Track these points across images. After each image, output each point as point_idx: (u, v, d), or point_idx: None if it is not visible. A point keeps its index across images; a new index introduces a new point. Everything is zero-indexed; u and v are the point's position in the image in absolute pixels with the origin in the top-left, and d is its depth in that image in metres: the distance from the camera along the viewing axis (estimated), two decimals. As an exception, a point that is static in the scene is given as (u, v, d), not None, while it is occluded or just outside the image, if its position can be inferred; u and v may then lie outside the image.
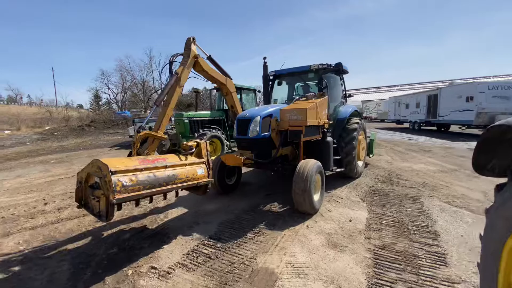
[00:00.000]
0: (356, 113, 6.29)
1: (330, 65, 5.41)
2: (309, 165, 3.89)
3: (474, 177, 5.75)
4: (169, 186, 2.99)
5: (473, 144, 10.85)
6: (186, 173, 3.22)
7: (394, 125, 24.44)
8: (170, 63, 4.90)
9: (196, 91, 8.89)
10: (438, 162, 7.59)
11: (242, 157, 4.42)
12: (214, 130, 7.86)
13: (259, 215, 4.06)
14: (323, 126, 4.76)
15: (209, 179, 3.53)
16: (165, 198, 3.40)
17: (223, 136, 8.19)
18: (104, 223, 3.82)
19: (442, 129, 18.53)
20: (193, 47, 4.90)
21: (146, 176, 2.75)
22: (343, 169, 5.52)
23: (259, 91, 10.32)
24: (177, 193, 3.39)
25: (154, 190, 2.81)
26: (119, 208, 2.66)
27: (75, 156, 11.87)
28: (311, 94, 4.94)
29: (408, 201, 4.46)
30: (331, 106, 5.66)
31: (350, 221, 3.75)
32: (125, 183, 2.52)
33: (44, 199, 5.34)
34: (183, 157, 3.42)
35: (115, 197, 2.41)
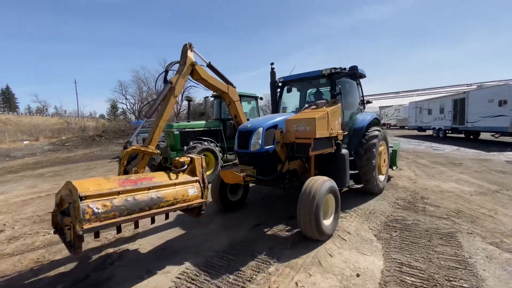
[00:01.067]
0: (376, 121, 5.69)
1: (344, 69, 4.81)
2: (318, 183, 3.40)
3: (526, 203, 4.48)
4: (152, 211, 2.66)
5: (510, 156, 9.31)
6: (174, 194, 2.88)
7: (415, 132, 22.61)
8: (166, 72, 4.56)
9: (188, 100, 8.16)
10: (472, 179, 6.27)
11: (242, 173, 3.88)
12: (206, 143, 7.02)
13: (238, 259, 3.10)
14: (336, 138, 4.14)
15: (202, 200, 3.13)
16: (152, 222, 2.99)
17: (217, 149, 7.33)
18: (70, 254, 2.49)
19: (471, 137, 16.70)
20: (189, 54, 4.55)
21: (124, 201, 2.45)
22: (361, 185, 4.98)
23: (261, 98, 9.46)
24: (167, 215, 3.09)
25: (133, 216, 2.50)
26: (97, 236, 2.47)
27: (74, 169, 11.50)
28: (322, 101, 4.42)
29: (439, 241, 3.33)
30: (346, 114, 5.11)
31: (357, 275, 2.69)
32: (96, 210, 2.23)
33: (4, 224, 4.70)
34: (173, 175, 3.06)
35: (82, 227, 2.12)
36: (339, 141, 4.26)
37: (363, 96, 5.81)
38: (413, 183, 6.14)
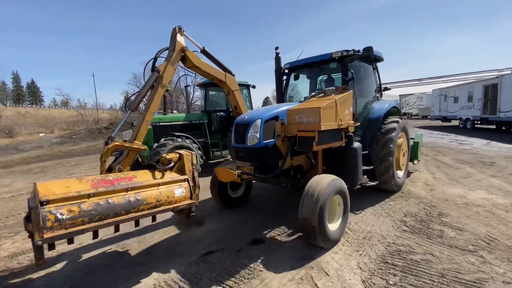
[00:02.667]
0: (395, 110, 5.14)
1: (358, 51, 4.16)
2: (323, 183, 3.03)
3: None
4: (130, 215, 2.42)
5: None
6: (157, 195, 2.65)
7: (439, 123, 20.44)
8: (154, 59, 4.11)
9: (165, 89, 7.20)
10: (509, 186, 4.90)
11: (237, 171, 3.45)
12: (180, 139, 6.06)
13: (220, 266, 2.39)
14: (346, 130, 3.68)
15: (191, 201, 2.88)
16: (136, 225, 2.73)
17: (196, 145, 6.37)
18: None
19: (504, 128, 14.61)
20: (179, 38, 4.14)
21: (95, 204, 2.24)
22: (377, 182, 4.40)
23: (253, 86, 8.33)
24: (153, 218, 2.86)
25: (105, 222, 2.26)
26: (70, 242, 2.24)
27: (63, 164, 11.08)
28: (331, 88, 3.90)
29: (461, 298, 2.20)
30: (359, 103, 4.57)
31: None
32: (60, 216, 2.02)
33: None
34: (159, 174, 2.84)
35: (42, 236, 1.91)
36: (351, 134, 3.74)
37: (380, 83, 5.13)
38: (430, 191, 4.88)
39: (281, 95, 4.98)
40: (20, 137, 28.27)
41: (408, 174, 5.98)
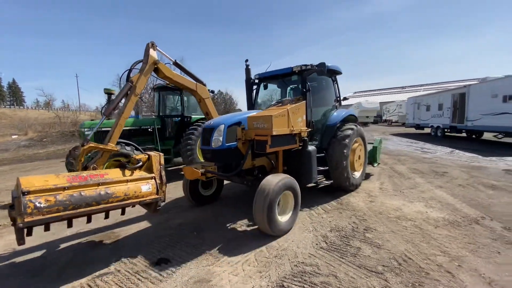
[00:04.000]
0: (352, 118, 5.74)
1: (315, 66, 4.59)
2: (274, 182, 3.45)
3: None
4: (101, 206, 2.75)
5: (510, 163, 7.69)
6: (125, 190, 2.95)
7: (413, 130, 20.75)
8: (129, 71, 4.58)
9: (108, 93, 6.82)
10: (450, 198, 4.78)
11: (201, 170, 3.97)
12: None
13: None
14: (300, 134, 4.19)
15: (157, 196, 3.20)
16: (89, 221, 2.98)
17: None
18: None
19: (474, 136, 14.91)
20: (152, 52, 4.62)
21: (69, 196, 2.56)
22: (331, 181, 5.02)
23: (212, 91, 8.04)
24: (123, 211, 3.26)
25: (78, 211, 2.59)
26: (47, 229, 2.63)
27: (18, 169, 10.43)
28: (288, 99, 4.61)
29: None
30: (320, 111, 5.32)
31: None
32: (38, 205, 2.37)
33: None
34: (128, 172, 3.16)
35: (23, 221, 2.28)
36: (305, 138, 4.24)
37: (339, 93, 5.71)
38: (370, 202, 4.70)
39: (251, 103, 5.52)
40: (-10, 139, 26.90)
41: (368, 176, 6.55)
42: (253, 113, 4.25)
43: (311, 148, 4.26)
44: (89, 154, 5.38)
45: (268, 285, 2.53)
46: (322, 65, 4.43)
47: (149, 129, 7.16)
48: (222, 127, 3.96)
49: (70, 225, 2.87)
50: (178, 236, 3.66)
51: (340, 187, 5.14)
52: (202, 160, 6.90)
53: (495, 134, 11.91)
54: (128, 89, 4.34)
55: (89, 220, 2.96)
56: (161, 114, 7.62)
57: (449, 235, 3.39)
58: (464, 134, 15.34)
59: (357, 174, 5.50)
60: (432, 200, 4.70)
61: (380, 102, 37.88)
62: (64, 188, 2.54)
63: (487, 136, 14.50)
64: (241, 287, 2.53)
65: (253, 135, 3.87)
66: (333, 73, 5.54)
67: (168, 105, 7.83)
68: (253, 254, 3.11)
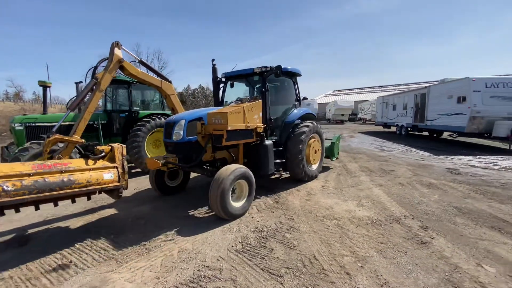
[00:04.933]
0: (310, 116, 6.31)
1: (273, 68, 4.92)
2: (228, 172, 3.80)
3: (421, 245, 3.08)
4: (64, 191, 3.00)
5: (457, 161, 8.07)
6: (88, 177, 3.20)
7: (381, 128, 21.44)
8: (95, 68, 4.88)
9: (43, 85, 6.29)
10: (384, 197, 4.88)
11: (162, 161, 4.27)
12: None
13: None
14: (256, 130, 4.60)
15: (118, 184, 3.46)
16: (55, 205, 3.26)
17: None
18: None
19: (435, 135, 15.62)
20: (116, 51, 4.86)
21: (34, 181, 2.81)
22: (287, 172, 5.66)
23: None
24: (88, 197, 3.50)
25: (42, 195, 2.85)
26: (17, 210, 2.96)
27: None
28: (246, 97, 5.01)
29: None
30: (280, 109, 5.80)
31: None
32: (6, 188, 2.62)
33: None
34: (91, 162, 3.38)
35: None
36: (262, 133, 4.66)
37: (298, 93, 6.18)
38: (306, 201, 4.68)
39: (218, 100, 5.89)
40: None
41: (327, 168, 7.17)
42: (213, 109, 4.55)
43: (268, 142, 4.67)
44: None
45: (157, 295, 2.39)
46: (278, 67, 4.78)
47: (95, 125, 6.75)
48: (183, 122, 4.28)
49: (37, 207, 3.11)
50: (95, 236, 3.42)
51: (296, 178, 5.72)
52: (149, 155, 6.77)
53: (450, 133, 12.50)
54: (93, 85, 4.65)
55: (56, 204, 3.27)
56: (107, 109, 7.22)
57: (366, 234, 3.42)
58: (426, 133, 16.04)
59: (314, 167, 6.11)
60: (366, 198, 4.77)
61: (356, 101, 38.86)
62: (29, 174, 2.81)
63: (446, 135, 15.23)
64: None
65: (212, 129, 4.22)
66: (293, 75, 5.98)
67: (117, 100, 7.42)
68: (161, 259, 2.95)
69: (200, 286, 2.46)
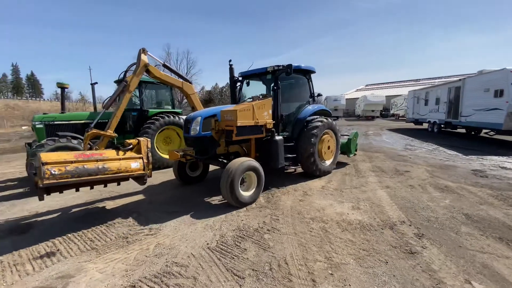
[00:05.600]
0: (324, 112, 6.38)
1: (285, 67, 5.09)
2: (237, 162, 4.16)
3: (408, 254, 2.79)
4: (99, 176, 3.53)
5: (488, 162, 7.19)
6: (118, 166, 3.70)
7: (412, 125, 19.85)
8: (125, 72, 5.61)
9: (61, 86, 6.84)
10: (386, 200, 4.51)
11: (180, 153, 4.79)
12: (64, 139, 5.64)
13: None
14: (266, 126, 4.87)
15: (143, 172, 3.92)
16: (91, 188, 3.88)
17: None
18: None
19: (473, 133, 14.04)
20: (143, 57, 5.41)
21: (75, 167, 3.33)
22: (298, 166, 5.85)
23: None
24: (118, 183, 4.08)
25: (82, 179, 3.39)
26: (60, 192, 3.51)
27: (2, 159, 10.87)
28: (258, 95, 5.21)
29: None
30: (293, 106, 6.05)
31: None
32: (53, 172, 3.15)
33: None
34: (121, 153, 3.88)
35: (43, 183, 3.10)
36: (272, 129, 4.96)
37: (313, 90, 6.33)
38: (299, 201, 4.51)
39: (234, 98, 6.23)
40: (3, 129, 28.32)
41: (344, 164, 7.29)
42: (226, 107, 4.86)
43: (278, 137, 4.91)
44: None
45: (122, 285, 2.48)
46: (289, 66, 4.94)
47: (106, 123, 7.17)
48: (199, 118, 4.69)
49: (77, 189, 3.70)
50: (88, 227, 3.66)
51: (308, 172, 5.86)
52: (159, 152, 7.10)
53: (487, 131, 11.15)
54: (123, 87, 5.30)
55: (91, 188, 3.87)
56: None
57: (350, 240, 3.20)
58: (462, 131, 14.51)
59: (327, 162, 6.17)
60: (365, 201, 4.46)
61: (388, 96, 36.55)
62: (71, 162, 3.34)
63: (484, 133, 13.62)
64: (95, 285, 2.50)
65: (224, 125, 4.55)
66: (307, 72, 6.16)
67: (130, 99, 7.82)
68: (136, 252, 3.06)
69: (162, 281, 2.50)
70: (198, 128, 4.66)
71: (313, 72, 6.27)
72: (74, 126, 6.61)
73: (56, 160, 3.24)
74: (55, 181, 3.16)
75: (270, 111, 4.94)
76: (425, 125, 17.09)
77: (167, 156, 7.52)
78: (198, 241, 3.25)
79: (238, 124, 4.31)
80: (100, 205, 4.69)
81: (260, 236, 3.32)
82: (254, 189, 4.42)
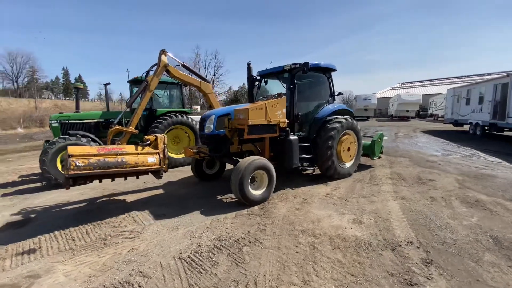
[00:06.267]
0: (345, 112, 6.12)
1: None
2: (246, 162, 4.12)
3: (406, 286, 2.31)
4: (118, 169, 3.77)
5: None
6: (136, 160, 3.90)
7: (450, 127, 17.82)
8: (147, 72, 5.96)
9: (76, 87, 7.13)
10: (397, 214, 3.91)
11: (194, 150, 4.84)
12: (74, 137, 5.80)
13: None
14: (279, 125, 4.78)
15: (159, 167, 4.11)
16: (113, 180, 4.15)
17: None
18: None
19: (526, 137, 12.14)
20: (163, 57, 5.69)
21: (97, 160, 3.60)
22: (314, 168, 5.67)
23: (185, 85, 7.97)
24: (137, 176, 4.26)
25: (103, 171, 3.64)
26: (85, 182, 3.99)
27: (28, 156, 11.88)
28: (272, 94, 5.33)
29: None
30: (311, 105, 5.86)
31: None
32: (78, 164, 3.45)
33: None
34: (140, 148, 4.09)
35: (68, 173, 3.41)
36: (287, 129, 4.86)
37: (333, 88, 6.10)
38: (295, 210, 4.11)
39: (252, 97, 6.16)
40: (46, 127, 31.31)
41: (366, 168, 6.86)
42: (240, 106, 4.86)
43: (292, 137, 4.81)
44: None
45: (78, 293, 2.36)
46: (305, 64, 4.78)
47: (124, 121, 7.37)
48: (213, 117, 4.77)
49: (100, 181, 4.04)
50: (76, 225, 3.67)
51: (325, 174, 5.64)
52: (169, 153, 7.12)
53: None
54: (144, 86, 5.64)
55: (112, 180, 4.15)
56: (132, 107, 7.81)
57: (340, 260, 2.75)
58: (511, 134, 12.62)
59: (347, 165, 5.87)
60: (371, 214, 3.91)
61: (426, 95, 33.64)
62: (94, 155, 3.60)
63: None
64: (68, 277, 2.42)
65: (237, 124, 4.56)
66: (327, 70, 5.92)
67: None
68: (108, 256, 2.95)
69: (116, 293, 2.33)
70: (212, 126, 4.73)
71: (334, 70, 6.02)
72: (88, 125, 6.88)
73: (81, 153, 3.52)
74: (79, 172, 3.43)
75: (284, 110, 4.85)
76: (466, 127, 15.22)
77: (175, 156, 7.56)
78: (173, 249, 3.05)
79: (250, 123, 4.29)
80: (100, 202, 4.76)
81: (238, 249, 3.02)
82: (265, 188, 4.39)
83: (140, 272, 2.63)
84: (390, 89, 58.52)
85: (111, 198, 5.00)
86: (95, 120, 7.01)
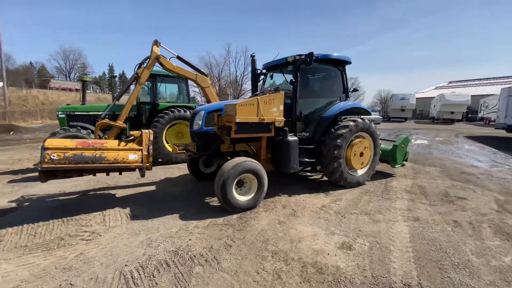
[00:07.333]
0: (359, 111, 5.33)
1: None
2: (230, 165, 3.74)
3: None
4: (95, 165, 3.63)
5: None
6: (115, 156, 3.74)
7: (504, 133, 15.25)
8: (140, 64, 5.77)
9: (82, 79, 7.20)
10: (402, 241, 3.12)
11: (180, 147, 4.80)
12: (74, 129, 5.88)
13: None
14: (274, 124, 4.25)
15: (140, 164, 3.90)
16: (94, 175, 4.28)
17: (92, 136, 6.22)
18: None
19: None
20: (154, 49, 5.48)
21: (73, 154, 3.48)
22: (316, 173, 5.44)
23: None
24: (120, 172, 4.14)
25: (79, 165, 3.51)
26: (64, 176, 3.86)
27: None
28: (268, 89, 4.71)
29: None
30: (318, 102, 5.17)
31: None
32: (53, 157, 3.35)
33: None
34: (122, 144, 3.94)
35: (42, 166, 3.31)
36: (285, 128, 4.31)
37: (346, 84, 5.41)
38: (276, 224, 3.52)
39: (255, 91, 5.86)
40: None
41: (387, 176, 5.97)
42: (232, 102, 4.41)
43: (291, 138, 4.30)
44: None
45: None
46: (309, 55, 4.32)
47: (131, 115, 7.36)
48: (202, 113, 4.49)
49: (81, 175, 4.07)
50: (52, 218, 3.55)
51: (332, 181, 5.01)
52: (168, 146, 6.96)
53: None
54: (134, 79, 5.49)
55: (94, 175, 4.22)
56: (136, 101, 7.77)
57: (304, 299, 2.15)
58: None
59: (359, 172, 5.16)
60: (367, 237, 3.17)
61: (475, 95, 29.82)
62: (70, 149, 3.51)
63: None
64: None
65: (225, 121, 4.18)
66: (340, 63, 5.23)
67: (145, 92, 7.88)
68: (53, 259, 2.72)
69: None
70: (200, 122, 4.45)
71: (348, 62, 5.30)
72: (93, 117, 6.96)
73: (57, 146, 3.44)
74: (53, 165, 3.34)
75: (281, 107, 4.28)
76: (524, 134, 12.87)
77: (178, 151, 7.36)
78: (120, 259, 2.71)
79: (237, 120, 3.83)
80: (88, 196, 4.73)
81: (189, 268, 2.57)
82: (253, 194, 3.97)
83: (71, 285, 2.32)
84: (435, 88, 53.22)
85: (100, 192, 4.89)
86: (100, 113, 7.06)
